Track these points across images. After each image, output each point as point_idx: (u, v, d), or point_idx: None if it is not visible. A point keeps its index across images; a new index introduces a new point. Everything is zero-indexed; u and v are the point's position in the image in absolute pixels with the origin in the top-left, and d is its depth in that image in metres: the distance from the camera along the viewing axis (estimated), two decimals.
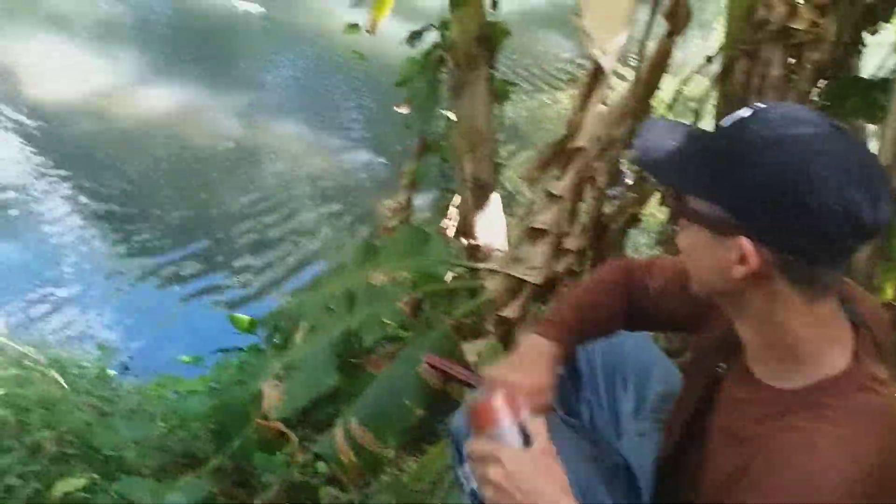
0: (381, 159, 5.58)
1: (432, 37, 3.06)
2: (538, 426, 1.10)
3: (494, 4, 2.84)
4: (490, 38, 2.81)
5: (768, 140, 0.99)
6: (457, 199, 3.26)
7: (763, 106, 1.03)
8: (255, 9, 6.29)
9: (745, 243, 1.01)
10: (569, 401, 1.77)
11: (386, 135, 5.71)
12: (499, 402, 1.09)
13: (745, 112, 1.04)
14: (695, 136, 1.12)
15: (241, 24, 6.75)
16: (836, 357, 1.05)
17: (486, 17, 2.84)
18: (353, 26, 3.16)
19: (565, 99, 6.49)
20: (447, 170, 3.27)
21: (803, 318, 1.04)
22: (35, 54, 6.40)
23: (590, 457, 1.56)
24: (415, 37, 3.08)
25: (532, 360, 1.38)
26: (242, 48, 7.01)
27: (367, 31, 2.40)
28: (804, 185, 0.96)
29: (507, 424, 1.08)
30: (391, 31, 2.85)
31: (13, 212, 4.92)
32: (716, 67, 2.13)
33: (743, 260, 1.01)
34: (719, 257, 1.05)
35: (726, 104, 1.94)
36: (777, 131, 0.99)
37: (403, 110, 3.21)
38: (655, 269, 1.46)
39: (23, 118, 5.75)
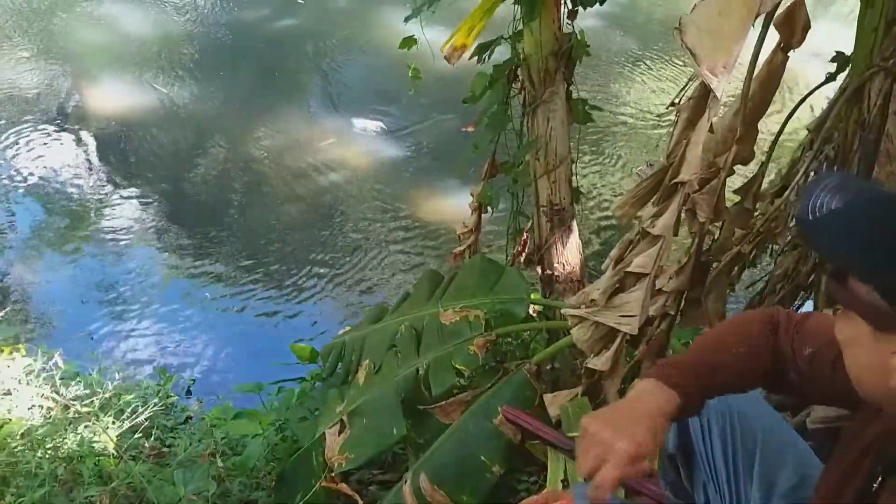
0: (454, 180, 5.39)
1: (503, 50, 2.83)
2: None
3: (572, 14, 2.60)
4: (568, 53, 2.58)
5: None
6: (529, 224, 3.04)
7: None
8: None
9: None
10: (680, 483, 1.55)
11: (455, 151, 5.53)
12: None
13: None
14: (870, 201, 0.88)
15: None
16: None
17: (562, 30, 2.61)
18: (409, 39, 2.94)
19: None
20: (519, 192, 3.03)
21: None
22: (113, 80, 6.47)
23: None
24: (483, 50, 2.84)
25: (639, 413, 1.17)
26: (316, 62, 6.92)
27: (446, 60, 2.17)
28: None
29: None
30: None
31: (85, 225, 4.99)
32: (833, 86, 1.86)
33: None
34: (878, 357, 0.86)
35: (858, 131, 1.66)
36: None
37: (471, 129, 2.99)
38: (807, 331, 1.22)
39: (94, 133, 5.81)
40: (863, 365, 0.92)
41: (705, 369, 1.23)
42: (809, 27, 1.81)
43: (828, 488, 1.15)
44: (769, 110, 1.93)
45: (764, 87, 1.90)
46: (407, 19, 2.82)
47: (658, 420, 1.16)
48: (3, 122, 5.81)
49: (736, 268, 2.02)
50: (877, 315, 0.85)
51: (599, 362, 1.96)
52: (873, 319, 0.86)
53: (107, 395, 2.83)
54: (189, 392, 3.82)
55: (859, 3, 1.64)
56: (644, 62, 6.92)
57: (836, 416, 1.77)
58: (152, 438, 2.80)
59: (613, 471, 1.10)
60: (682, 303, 2.13)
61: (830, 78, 1.82)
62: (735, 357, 1.24)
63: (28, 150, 5.54)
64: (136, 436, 2.67)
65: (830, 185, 0.90)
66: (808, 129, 1.96)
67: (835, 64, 2.11)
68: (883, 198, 0.90)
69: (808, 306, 2.28)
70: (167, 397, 3.18)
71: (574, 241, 2.82)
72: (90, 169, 5.46)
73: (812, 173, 2.11)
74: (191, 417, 3.25)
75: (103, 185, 5.31)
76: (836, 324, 0.96)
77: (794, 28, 1.80)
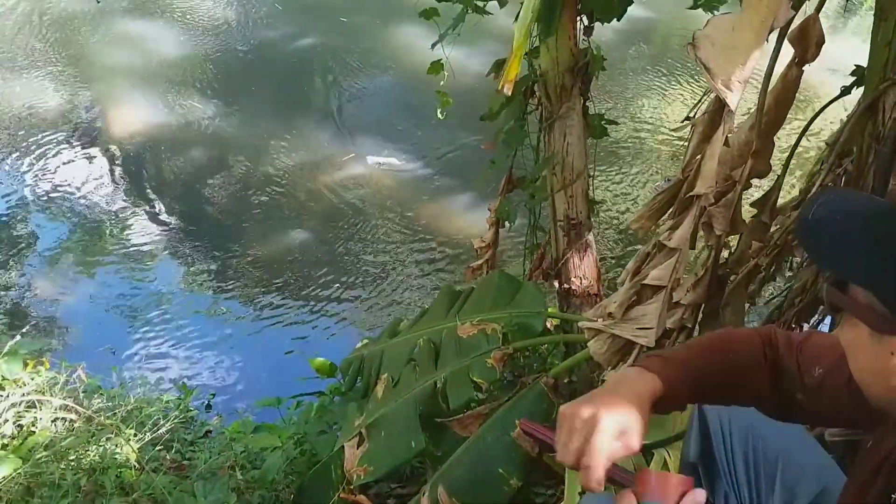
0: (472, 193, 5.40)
1: (521, 66, 2.84)
2: None
3: (588, 30, 2.62)
4: (584, 68, 2.59)
5: None
6: (546, 238, 3.05)
7: None
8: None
9: None
10: None
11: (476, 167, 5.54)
12: (672, 480, 1.03)
13: None
14: (868, 209, 0.90)
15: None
16: None
17: (578, 45, 2.63)
18: (437, 65, 2.98)
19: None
20: (536, 207, 3.04)
21: None
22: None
23: None
24: (500, 66, 2.87)
25: (621, 392, 1.10)
26: (338, 81, 6.97)
27: (497, 91, 2.21)
28: None
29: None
30: (478, 61, 2.67)
31: (107, 241, 5.04)
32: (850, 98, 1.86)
33: None
34: (878, 360, 0.87)
35: (873, 144, 1.67)
36: None
37: (490, 147, 3.01)
38: (812, 351, 1.21)
39: (116, 150, 5.86)
40: (865, 368, 0.93)
41: (694, 364, 1.19)
42: (823, 42, 1.81)
43: (844, 502, 1.15)
44: (793, 122, 1.94)
45: (779, 101, 1.90)
46: (433, 46, 2.87)
47: (641, 399, 1.09)
48: (27, 138, 5.87)
49: (755, 280, 2.01)
50: (876, 319, 0.86)
51: None
52: (873, 323, 0.87)
53: (128, 408, 2.86)
54: (209, 406, 3.83)
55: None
56: (665, 76, 6.93)
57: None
58: (173, 451, 2.82)
59: (601, 446, 1.02)
60: (700, 315, 2.13)
61: (845, 91, 1.82)
62: (729, 362, 1.21)
63: (51, 167, 5.60)
64: (156, 448, 2.69)
65: (831, 196, 0.92)
66: (826, 143, 1.96)
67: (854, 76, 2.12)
68: (882, 207, 0.91)
69: (827, 319, 2.27)
70: (187, 411, 3.20)
71: (591, 254, 2.82)
72: (112, 186, 5.50)
73: (830, 185, 2.11)
74: (210, 431, 3.26)
75: (125, 202, 5.35)
76: (839, 329, 0.97)
77: (808, 43, 1.81)
